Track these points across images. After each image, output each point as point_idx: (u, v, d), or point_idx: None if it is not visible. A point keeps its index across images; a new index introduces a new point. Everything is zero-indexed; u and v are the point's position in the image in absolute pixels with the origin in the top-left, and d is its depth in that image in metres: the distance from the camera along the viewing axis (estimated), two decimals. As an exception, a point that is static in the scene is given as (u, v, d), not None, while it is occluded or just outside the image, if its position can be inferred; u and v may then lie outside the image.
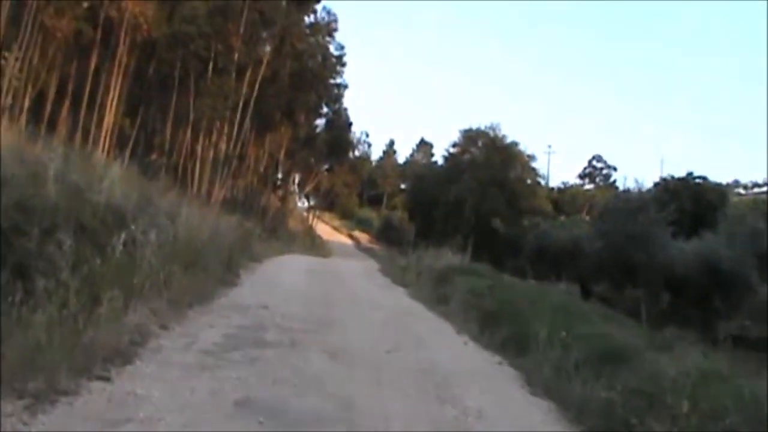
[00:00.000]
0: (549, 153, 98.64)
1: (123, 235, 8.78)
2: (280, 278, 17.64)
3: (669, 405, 6.67)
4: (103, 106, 34.04)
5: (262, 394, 6.94)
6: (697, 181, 41.62)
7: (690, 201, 34.42)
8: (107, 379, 6.57)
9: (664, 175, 46.59)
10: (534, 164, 62.23)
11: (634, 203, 29.15)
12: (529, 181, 61.58)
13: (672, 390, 6.98)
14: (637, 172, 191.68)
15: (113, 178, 13.40)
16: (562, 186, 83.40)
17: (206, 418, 6.02)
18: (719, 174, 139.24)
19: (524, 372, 9.81)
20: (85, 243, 9.01)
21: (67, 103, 34.71)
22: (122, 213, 11.63)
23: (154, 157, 38.37)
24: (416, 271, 23.13)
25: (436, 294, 17.67)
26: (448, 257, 25.03)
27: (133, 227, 10.54)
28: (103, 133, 33.21)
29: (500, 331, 12.10)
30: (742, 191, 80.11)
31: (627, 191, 34.23)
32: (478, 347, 11.61)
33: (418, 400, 7.62)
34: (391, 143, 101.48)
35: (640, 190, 31.63)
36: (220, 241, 17.11)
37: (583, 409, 7.70)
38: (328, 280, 20.11)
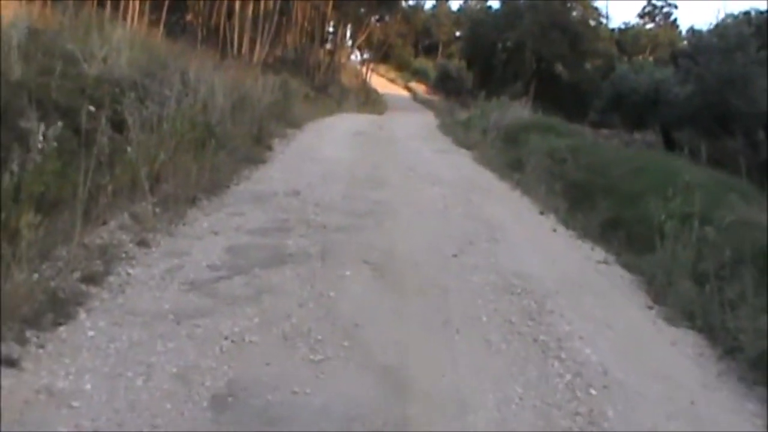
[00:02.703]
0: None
1: (44, 126, 5.84)
2: (321, 148, 14.78)
3: None
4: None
5: (261, 373, 4.33)
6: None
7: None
8: (12, 364, 4.06)
9: (728, 11, 42.05)
10: (596, 3, 58.20)
11: (731, 40, 24.99)
12: (591, 22, 57.62)
13: None
14: (699, 8, 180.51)
15: (118, 43, 10.97)
16: (622, 27, 78.24)
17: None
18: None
19: (643, 279, 7.16)
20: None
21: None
22: (118, 86, 9.29)
23: (188, 18, 35.30)
24: (481, 128, 20.22)
25: (507, 158, 14.84)
26: (516, 110, 22.04)
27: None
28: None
29: (596, 211, 9.40)
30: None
31: (721, 25, 29.72)
32: (572, 236, 8.94)
33: (509, 359, 4.98)
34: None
35: (739, 24, 27.15)
36: (251, 108, 14.47)
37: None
38: (380, 145, 17.15)
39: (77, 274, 5.29)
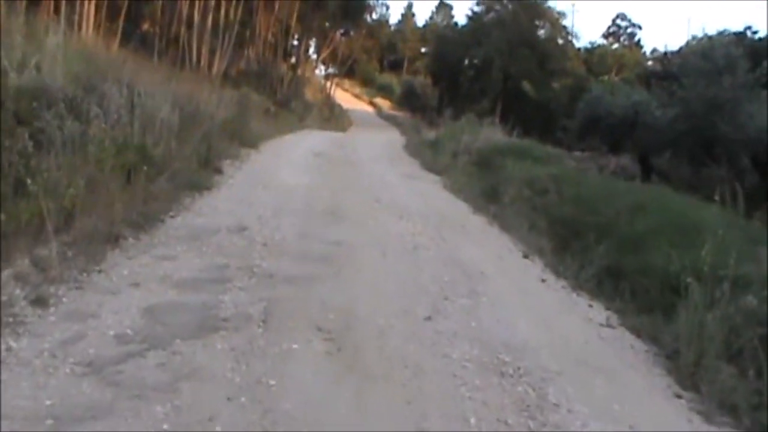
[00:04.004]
0: (573, 12, 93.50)
1: None
2: (277, 172, 13.30)
3: None
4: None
5: None
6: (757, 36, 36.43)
7: (748, 59, 29.20)
8: None
9: (694, 33, 41.70)
10: (564, 22, 57.49)
11: (718, 61, 23.79)
12: (560, 41, 56.96)
13: None
14: (662, 30, 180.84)
15: (53, 51, 9.75)
16: (589, 46, 78.33)
17: None
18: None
19: (659, 351, 5.90)
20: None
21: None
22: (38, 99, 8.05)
23: (145, 27, 33.90)
24: (450, 151, 18.96)
25: (481, 186, 13.55)
26: (488, 131, 20.86)
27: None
28: (88, 6, 28.35)
29: (590, 256, 8.12)
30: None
31: (700, 43, 28.56)
32: (565, 288, 7.65)
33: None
34: (410, 6, 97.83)
35: (726, 45, 25.81)
36: (201, 126, 13.10)
37: None
38: (341, 169, 15.65)
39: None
